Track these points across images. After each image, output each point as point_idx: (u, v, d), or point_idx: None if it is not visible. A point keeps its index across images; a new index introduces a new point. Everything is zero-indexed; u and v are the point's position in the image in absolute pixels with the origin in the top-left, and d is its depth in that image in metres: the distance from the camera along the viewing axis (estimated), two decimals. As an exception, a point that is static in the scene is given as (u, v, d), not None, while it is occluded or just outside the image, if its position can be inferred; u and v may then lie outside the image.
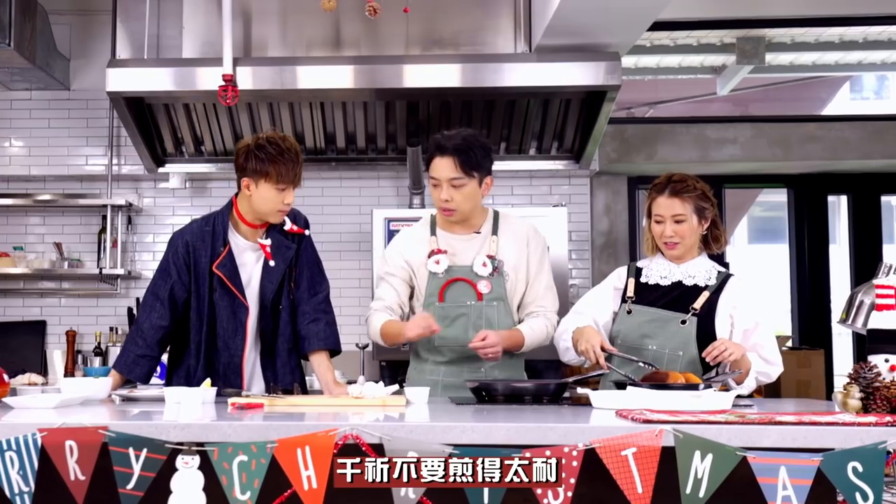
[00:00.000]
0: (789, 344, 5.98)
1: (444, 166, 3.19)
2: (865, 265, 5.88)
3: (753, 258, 9.66)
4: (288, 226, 3.29)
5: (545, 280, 3.36)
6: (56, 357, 5.47)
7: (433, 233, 3.35)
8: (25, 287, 5.73)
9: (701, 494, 2.03)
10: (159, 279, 3.25)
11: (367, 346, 5.26)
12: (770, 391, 5.28)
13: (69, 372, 5.33)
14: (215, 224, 3.24)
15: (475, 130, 3.36)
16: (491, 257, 3.27)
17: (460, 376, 3.22)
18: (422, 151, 5.20)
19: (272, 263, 3.23)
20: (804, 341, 6.10)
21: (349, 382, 3.93)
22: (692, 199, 3.11)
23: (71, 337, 5.38)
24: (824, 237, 6.29)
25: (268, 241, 3.24)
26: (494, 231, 3.33)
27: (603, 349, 2.99)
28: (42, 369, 5.49)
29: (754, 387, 3.06)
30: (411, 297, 3.36)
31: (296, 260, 3.31)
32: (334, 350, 3.31)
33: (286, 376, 3.23)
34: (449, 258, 3.28)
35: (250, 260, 3.25)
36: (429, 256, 3.29)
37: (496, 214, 3.39)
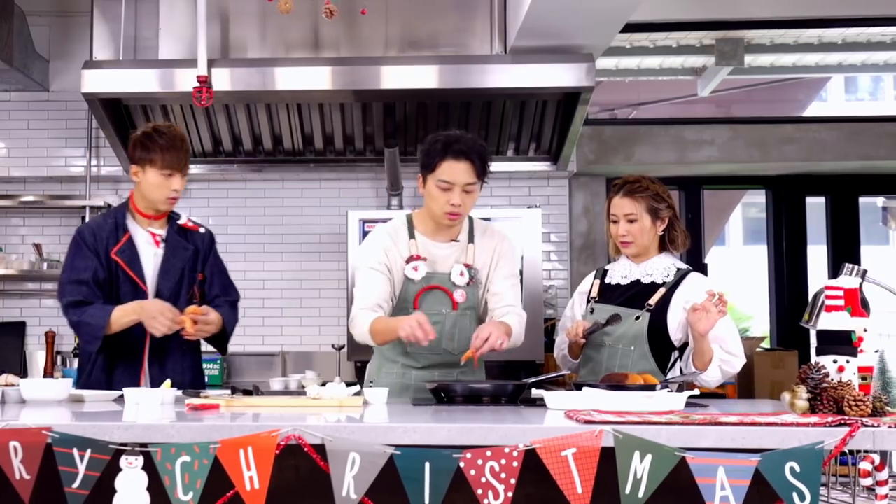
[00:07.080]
0: (765, 345, 5.99)
1: (461, 170, 3.09)
2: (843, 266, 5.88)
3: (749, 259, 9.64)
4: (182, 220, 3.43)
5: (515, 283, 3.33)
6: (38, 358, 5.49)
7: (412, 236, 3.26)
8: (6, 288, 5.74)
9: (640, 495, 2.06)
10: (79, 262, 3.30)
11: (342, 347, 5.28)
12: (744, 392, 5.30)
13: (48, 373, 5.34)
14: (116, 216, 3.38)
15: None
16: (468, 266, 3.24)
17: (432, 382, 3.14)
18: (399, 153, 5.22)
19: (164, 258, 3.34)
20: (781, 342, 6.10)
21: (324, 384, 3.94)
22: (645, 199, 3.19)
23: (50, 338, 5.39)
24: (802, 238, 6.29)
25: (160, 232, 3.37)
26: (471, 239, 3.28)
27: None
28: (21, 370, 5.50)
29: (720, 377, 3.09)
30: None
31: (202, 265, 3.42)
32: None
33: (177, 375, 3.26)
34: (428, 265, 3.21)
35: (149, 252, 3.37)
36: (407, 262, 3.21)
37: (471, 221, 3.33)
